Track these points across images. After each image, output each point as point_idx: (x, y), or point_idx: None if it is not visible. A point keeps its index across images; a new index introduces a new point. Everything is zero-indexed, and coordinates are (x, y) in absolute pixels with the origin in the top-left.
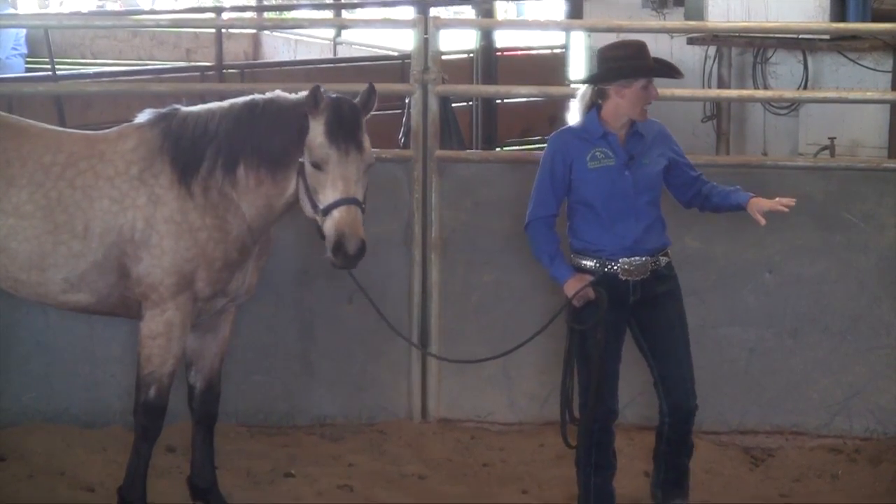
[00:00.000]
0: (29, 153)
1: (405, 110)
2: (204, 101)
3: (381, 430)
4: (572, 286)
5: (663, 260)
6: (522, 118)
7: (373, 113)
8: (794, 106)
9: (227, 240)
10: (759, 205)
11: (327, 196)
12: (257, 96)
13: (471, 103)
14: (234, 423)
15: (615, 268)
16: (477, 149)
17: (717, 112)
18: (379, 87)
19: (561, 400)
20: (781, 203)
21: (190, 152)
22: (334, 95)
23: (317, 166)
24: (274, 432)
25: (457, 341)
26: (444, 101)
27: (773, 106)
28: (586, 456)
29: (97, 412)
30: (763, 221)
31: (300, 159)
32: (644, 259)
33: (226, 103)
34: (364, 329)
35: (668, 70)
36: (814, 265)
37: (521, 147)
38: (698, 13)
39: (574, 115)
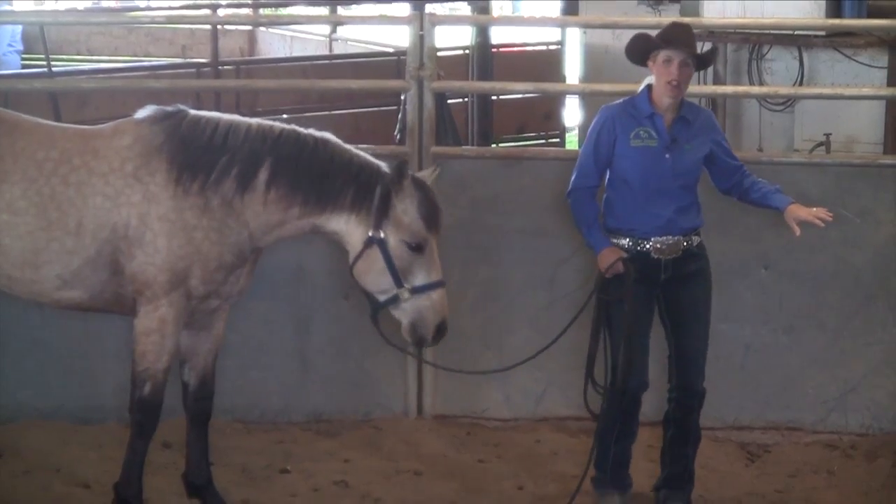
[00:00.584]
0: (22, 149)
1: (401, 107)
2: (199, 98)
3: (377, 426)
4: (606, 257)
5: (695, 240)
6: (518, 114)
7: (368, 109)
8: (789, 102)
9: (224, 242)
10: (797, 213)
11: (420, 277)
12: (301, 130)
13: (466, 100)
14: (230, 420)
15: (647, 246)
16: (473, 145)
17: (713, 108)
18: (374, 83)
19: (586, 368)
20: (819, 216)
21: (198, 156)
22: (412, 174)
23: (412, 246)
24: (270, 428)
25: (453, 338)
26: (440, 97)
27: (768, 102)
28: (611, 425)
29: (92, 409)
30: (798, 232)
31: (378, 233)
32: (676, 238)
33: (253, 122)
34: (360, 325)
35: (681, 38)
36: (809, 261)
37: (517, 143)
38: (694, 9)
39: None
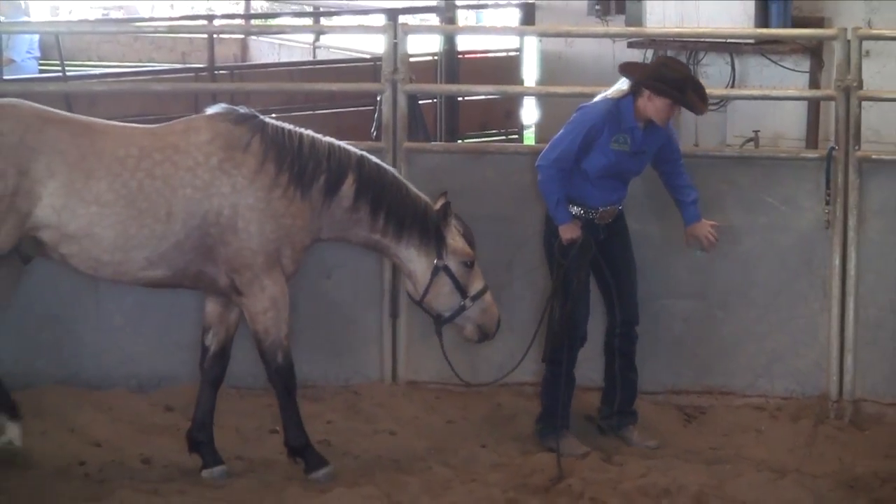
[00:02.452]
0: (102, 147)
1: (377, 107)
2: (197, 99)
3: (356, 392)
4: (568, 230)
5: (621, 205)
6: (481, 113)
7: (348, 109)
8: (722, 102)
9: (306, 228)
10: (696, 232)
11: (475, 286)
12: (374, 159)
13: (435, 100)
14: (226, 386)
15: (594, 215)
16: (441, 141)
17: None
18: (353, 86)
19: (547, 324)
20: (710, 240)
21: (288, 158)
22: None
23: (467, 265)
24: (261, 394)
25: (423, 312)
26: (412, 98)
27: None
28: (558, 368)
29: (103, 376)
30: (686, 244)
31: (441, 261)
32: (614, 207)
33: (337, 146)
34: (341, 301)
35: (696, 104)
36: (740, 244)
37: (480, 139)
38: (637, 20)
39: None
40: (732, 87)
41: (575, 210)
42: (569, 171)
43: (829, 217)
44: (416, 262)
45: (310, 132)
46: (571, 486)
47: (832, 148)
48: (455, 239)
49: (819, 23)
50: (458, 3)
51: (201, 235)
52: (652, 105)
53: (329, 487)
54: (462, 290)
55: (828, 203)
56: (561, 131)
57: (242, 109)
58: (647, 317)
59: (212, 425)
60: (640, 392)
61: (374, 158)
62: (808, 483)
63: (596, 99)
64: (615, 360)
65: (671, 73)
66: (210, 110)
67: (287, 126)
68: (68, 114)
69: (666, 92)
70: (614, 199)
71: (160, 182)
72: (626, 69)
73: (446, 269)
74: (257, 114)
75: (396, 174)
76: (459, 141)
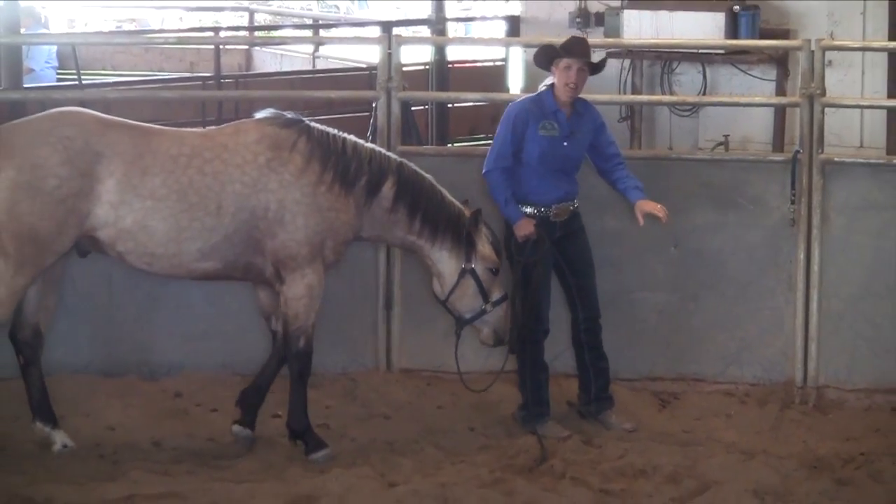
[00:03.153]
0: (157, 147)
1: (372, 113)
2: (205, 106)
3: (353, 379)
4: (523, 227)
5: (576, 203)
6: (470, 119)
7: (345, 115)
8: (695, 108)
9: (349, 223)
10: (644, 207)
11: (496, 293)
12: (420, 171)
13: (427, 106)
14: (230, 374)
15: (548, 213)
16: (432, 144)
17: (631, 114)
18: (350, 93)
19: (512, 319)
20: (661, 212)
21: (332, 158)
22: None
23: (493, 271)
24: None
25: (416, 304)
26: (405, 104)
27: (677, 108)
28: (525, 358)
29: (115, 365)
30: (641, 221)
31: (469, 265)
32: (567, 204)
33: (378, 150)
34: (339, 294)
35: (579, 49)
36: (712, 241)
37: (469, 143)
38: (615, 31)
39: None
40: (704, 94)
41: (529, 210)
42: (511, 170)
43: (795, 215)
44: (446, 263)
45: (352, 137)
46: (554, 466)
47: (797, 151)
48: (484, 246)
49: (785, 35)
50: (448, 16)
51: (250, 229)
52: (557, 80)
53: (327, 468)
54: (485, 294)
55: (793, 202)
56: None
57: (289, 114)
58: (623, 308)
59: (265, 394)
60: (618, 379)
61: (412, 165)
62: (775, 463)
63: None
64: (585, 352)
65: (557, 44)
66: (258, 115)
67: (331, 130)
68: (125, 120)
69: (550, 52)
70: (563, 195)
71: (210, 178)
72: (535, 62)
73: (473, 272)
74: (303, 118)
75: (433, 181)
76: (449, 144)
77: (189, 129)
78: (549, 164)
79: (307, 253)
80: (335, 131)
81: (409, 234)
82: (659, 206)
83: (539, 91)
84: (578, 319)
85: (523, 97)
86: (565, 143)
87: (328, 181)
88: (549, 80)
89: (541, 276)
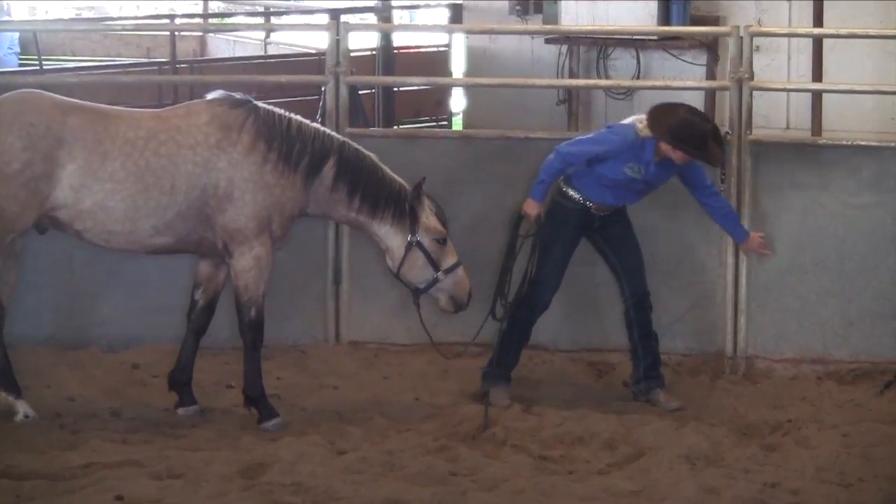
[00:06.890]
0: (115, 131)
1: (321, 96)
2: (161, 90)
3: (303, 350)
4: (529, 206)
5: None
6: (415, 102)
7: (296, 98)
8: (629, 92)
9: (294, 199)
10: (748, 247)
11: (447, 261)
12: (354, 144)
13: (374, 90)
14: None
15: (590, 205)
16: (379, 127)
17: (569, 97)
18: (300, 78)
19: (496, 287)
20: (762, 250)
21: (277, 137)
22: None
23: (440, 241)
24: (218, 353)
25: (363, 278)
26: (353, 88)
27: (612, 92)
28: (521, 330)
29: (77, 337)
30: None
31: (415, 237)
32: (613, 206)
33: (322, 131)
34: (290, 269)
35: (717, 157)
36: (646, 219)
37: (414, 125)
38: (553, 19)
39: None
40: (638, 78)
41: (573, 194)
42: (570, 168)
43: (725, 194)
44: (392, 238)
45: (298, 117)
46: (495, 434)
47: (727, 133)
48: (428, 217)
49: (715, 21)
50: (393, 3)
51: (201, 206)
52: (674, 154)
53: (279, 436)
54: (435, 264)
55: (723, 181)
56: (590, 135)
57: (238, 95)
58: (565, 282)
59: (192, 369)
60: (557, 350)
61: (354, 144)
62: (706, 430)
63: (628, 121)
64: (634, 330)
65: (692, 130)
66: (209, 96)
67: (278, 110)
68: (84, 102)
69: (688, 151)
70: (613, 203)
71: (165, 159)
72: (652, 125)
73: (419, 244)
74: (251, 99)
75: (375, 159)
76: (395, 127)
77: (144, 111)
78: (616, 188)
79: (254, 227)
80: (282, 111)
81: (350, 211)
82: (762, 245)
83: (643, 135)
84: (626, 297)
85: (630, 125)
86: (641, 185)
87: (273, 160)
88: (639, 120)
89: (555, 258)
